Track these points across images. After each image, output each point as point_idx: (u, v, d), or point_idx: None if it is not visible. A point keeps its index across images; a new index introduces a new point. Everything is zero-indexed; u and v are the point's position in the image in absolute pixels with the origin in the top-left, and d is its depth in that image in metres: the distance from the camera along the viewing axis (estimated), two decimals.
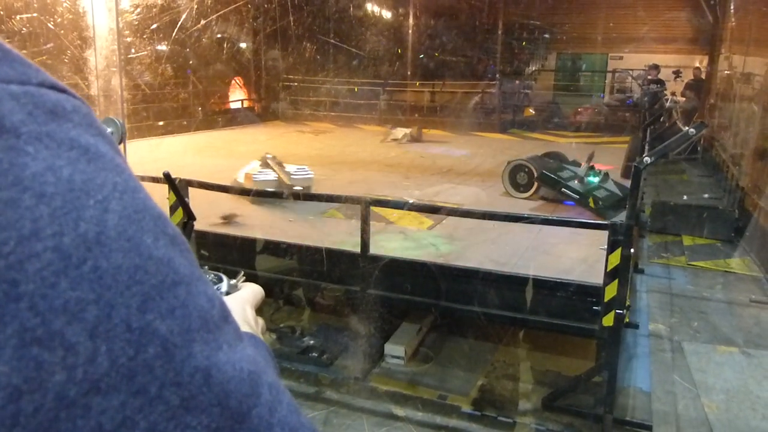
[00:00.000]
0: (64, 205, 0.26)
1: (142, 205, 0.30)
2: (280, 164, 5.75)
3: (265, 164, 5.77)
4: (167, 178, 3.67)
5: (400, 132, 8.97)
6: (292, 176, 5.55)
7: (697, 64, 13.29)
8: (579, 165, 5.93)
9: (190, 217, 3.96)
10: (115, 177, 0.29)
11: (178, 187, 3.84)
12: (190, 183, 4.10)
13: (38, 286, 0.25)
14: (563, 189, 5.28)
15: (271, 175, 5.53)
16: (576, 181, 5.29)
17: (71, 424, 0.24)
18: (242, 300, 0.63)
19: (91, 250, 0.26)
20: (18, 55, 0.30)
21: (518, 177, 5.86)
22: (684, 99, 12.00)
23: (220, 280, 0.67)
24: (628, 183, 4.01)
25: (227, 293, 0.67)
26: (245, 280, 0.72)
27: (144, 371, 0.26)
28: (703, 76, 12.84)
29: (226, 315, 0.33)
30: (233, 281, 0.71)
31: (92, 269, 0.26)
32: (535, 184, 5.68)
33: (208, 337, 0.30)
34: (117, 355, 0.26)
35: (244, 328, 0.52)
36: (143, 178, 3.75)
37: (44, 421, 0.24)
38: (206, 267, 0.62)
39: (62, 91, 0.31)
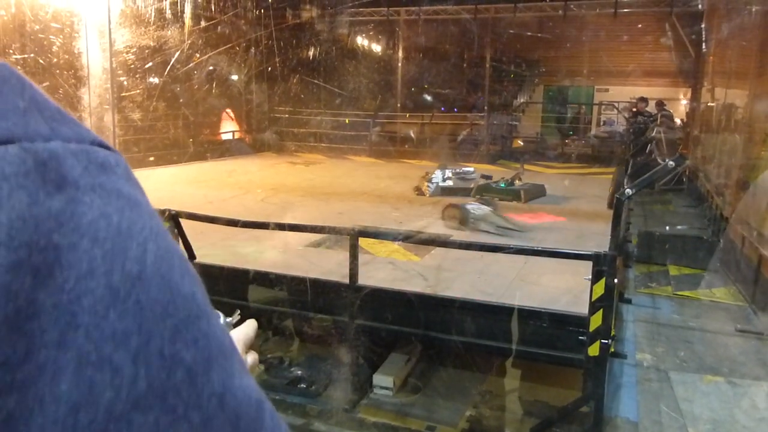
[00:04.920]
0: (113, 248, 0.31)
1: (171, 247, 0.34)
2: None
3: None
4: (173, 219, 3.79)
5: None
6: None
7: (642, 95, 13.14)
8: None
9: (190, 255, 4.04)
10: (150, 221, 0.34)
11: (181, 226, 3.94)
12: (178, 216, 4.12)
13: (92, 317, 0.29)
14: None
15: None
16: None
17: None
18: (235, 340, 0.66)
19: (135, 286, 0.31)
20: (72, 118, 0.35)
21: None
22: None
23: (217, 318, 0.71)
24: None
25: None
26: (240, 321, 0.75)
27: (173, 393, 0.30)
28: (650, 108, 12.82)
29: (233, 346, 0.37)
30: (229, 319, 0.74)
31: (135, 303, 0.30)
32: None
33: (224, 365, 0.33)
34: (153, 378, 0.30)
35: None
36: None
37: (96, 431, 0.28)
38: None
39: (107, 148, 0.35)
